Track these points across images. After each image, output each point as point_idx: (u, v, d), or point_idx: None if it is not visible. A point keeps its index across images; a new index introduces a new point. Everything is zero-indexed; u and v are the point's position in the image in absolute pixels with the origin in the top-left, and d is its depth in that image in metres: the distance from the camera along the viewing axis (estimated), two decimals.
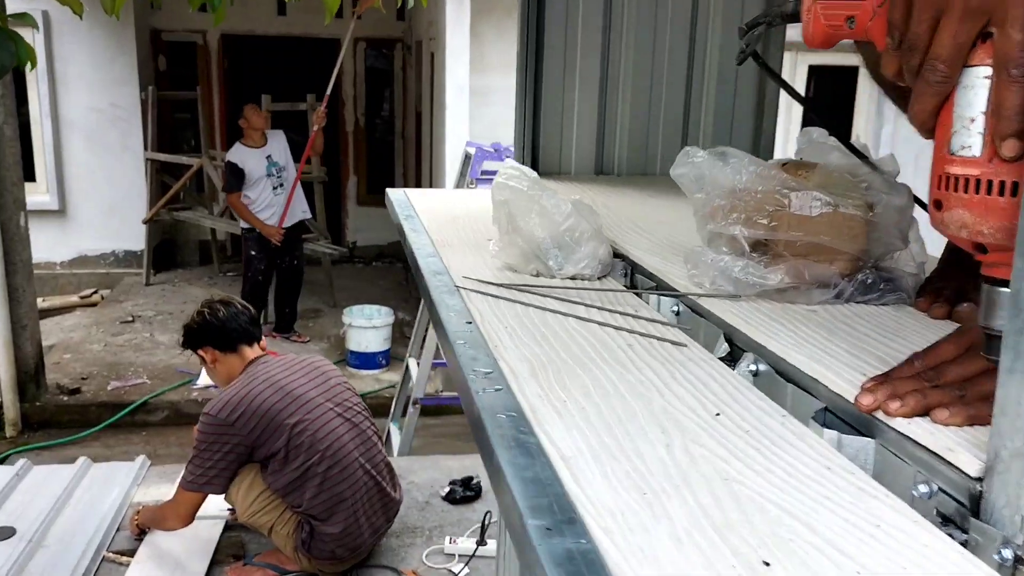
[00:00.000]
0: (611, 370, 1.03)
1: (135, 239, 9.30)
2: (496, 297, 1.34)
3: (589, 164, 2.60)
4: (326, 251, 8.51)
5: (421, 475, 3.99)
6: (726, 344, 1.14)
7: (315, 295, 8.73)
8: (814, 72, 7.83)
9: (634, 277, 1.54)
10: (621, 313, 1.27)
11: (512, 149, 4.63)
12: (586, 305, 1.31)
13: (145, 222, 8.97)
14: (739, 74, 2.64)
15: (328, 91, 6.92)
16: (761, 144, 2.67)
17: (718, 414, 0.90)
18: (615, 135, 2.60)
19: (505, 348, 1.10)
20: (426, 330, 4.95)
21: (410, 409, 4.54)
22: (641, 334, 1.17)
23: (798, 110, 7.31)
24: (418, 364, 4.74)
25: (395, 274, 10.29)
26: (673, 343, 1.14)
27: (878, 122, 7.72)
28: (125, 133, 9.28)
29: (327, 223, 9.18)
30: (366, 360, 6.99)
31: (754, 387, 0.98)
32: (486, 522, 3.33)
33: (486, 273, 1.50)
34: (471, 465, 4.09)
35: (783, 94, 2.85)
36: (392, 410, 5.15)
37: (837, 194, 1.16)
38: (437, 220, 2.00)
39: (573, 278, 1.48)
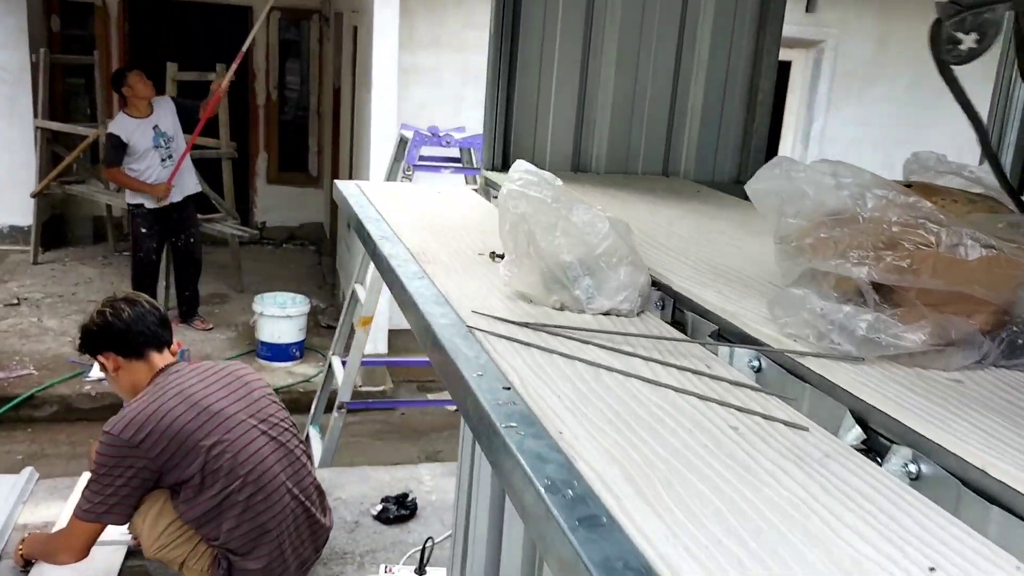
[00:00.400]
0: (734, 475, 0.74)
1: (22, 213, 8.54)
2: (526, 344, 1.03)
3: (566, 160, 2.30)
4: (234, 232, 7.98)
5: (349, 490, 3.64)
6: (857, 428, 0.85)
7: (221, 279, 8.18)
8: None
9: (675, 313, 1.25)
10: (693, 371, 0.98)
11: (454, 136, 4.31)
12: (643, 357, 1.02)
13: (34, 195, 8.23)
14: (730, 67, 2.38)
15: (244, 48, 6.41)
16: (752, 145, 2.42)
17: (932, 569, 0.62)
18: (594, 129, 2.31)
19: (575, 436, 0.79)
20: (352, 326, 4.58)
21: (335, 414, 4.16)
22: (738, 408, 0.88)
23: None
24: (343, 364, 4.37)
25: (307, 257, 9.79)
26: (786, 424, 0.85)
27: (808, 117, 7.67)
28: (12, 99, 8.49)
29: (235, 202, 8.63)
30: (279, 352, 6.54)
31: (944, 511, 0.70)
32: (427, 547, 3.01)
33: (497, 305, 1.18)
34: (404, 478, 3.76)
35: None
36: (312, 411, 4.76)
37: (996, 234, 0.89)
38: (409, 224, 1.67)
39: (607, 313, 1.18)
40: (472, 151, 4.22)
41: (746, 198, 2.44)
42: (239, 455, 2.65)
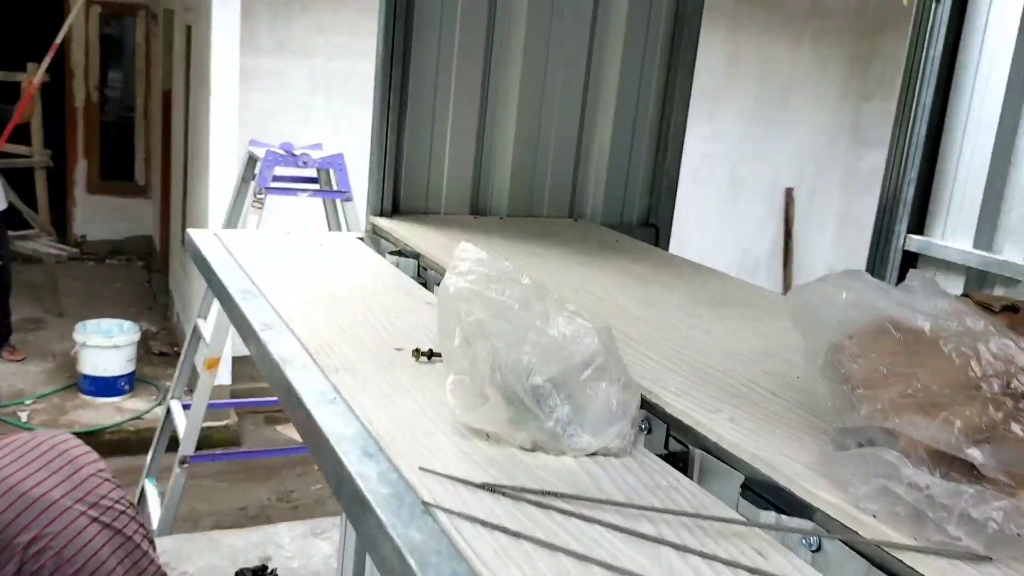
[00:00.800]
0: None
1: None
2: (514, 535, 0.73)
3: (464, 202, 2.01)
4: (49, 250, 7.17)
5: (196, 562, 3.18)
6: None
7: (35, 301, 7.33)
8: None
9: (669, 440, 0.98)
10: (750, 570, 0.71)
11: (311, 155, 3.91)
12: (674, 546, 0.74)
13: None
14: (640, 100, 2.15)
15: (57, 41, 5.72)
16: (663, 185, 2.21)
17: None
18: (495, 168, 2.03)
19: None
20: (193, 365, 4.08)
21: (176, 470, 3.67)
22: None
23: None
24: (184, 409, 3.88)
25: (135, 274, 8.98)
26: None
27: None
28: None
29: (50, 216, 7.77)
30: (105, 386, 5.87)
31: None
32: None
33: (447, 450, 0.88)
34: (261, 542, 3.33)
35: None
36: (148, 461, 4.22)
37: None
38: (294, 298, 1.33)
39: (594, 454, 0.90)
40: (332, 172, 3.83)
41: (657, 241, 2.24)
42: (64, 551, 2.17)
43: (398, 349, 1.16)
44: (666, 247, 2.21)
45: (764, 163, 8.01)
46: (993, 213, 2.44)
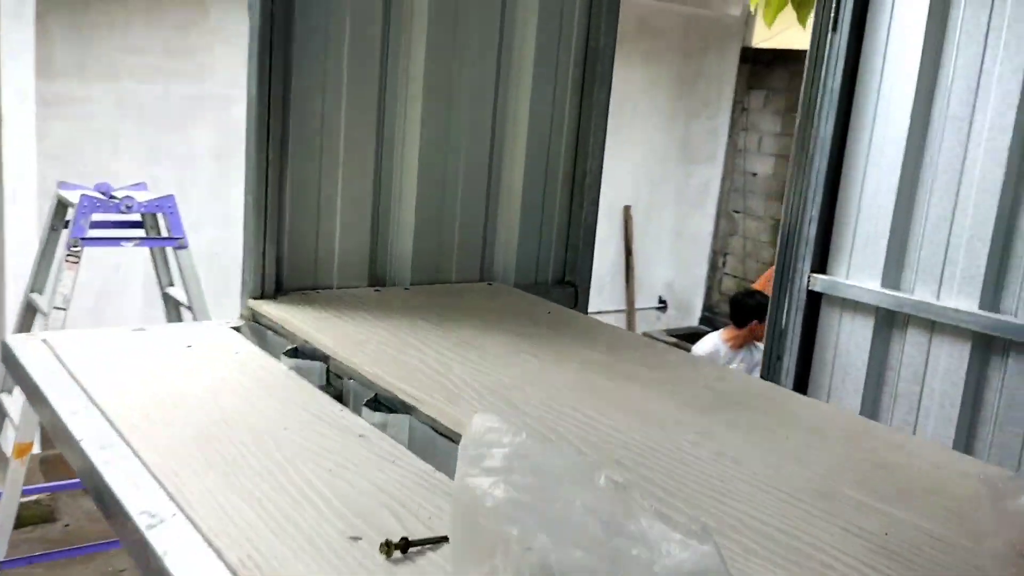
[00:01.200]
0: None
1: None
2: None
3: (361, 274, 1.66)
4: None
5: None
6: None
7: None
8: None
9: None
10: None
11: (135, 197, 3.38)
12: None
13: None
14: (551, 148, 1.88)
15: None
16: (580, 238, 1.94)
17: None
18: (396, 232, 1.70)
19: None
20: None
21: None
22: None
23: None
24: None
25: None
26: None
27: None
28: None
29: None
30: None
31: None
32: None
33: None
34: None
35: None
36: None
37: None
38: (188, 460, 0.95)
39: None
40: (161, 216, 3.33)
41: (576, 302, 1.97)
42: None
43: (355, 539, 0.82)
44: (585, 308, 1.95)
45: (603, 182, 8.02)
46: (900, 250, 2.34)
